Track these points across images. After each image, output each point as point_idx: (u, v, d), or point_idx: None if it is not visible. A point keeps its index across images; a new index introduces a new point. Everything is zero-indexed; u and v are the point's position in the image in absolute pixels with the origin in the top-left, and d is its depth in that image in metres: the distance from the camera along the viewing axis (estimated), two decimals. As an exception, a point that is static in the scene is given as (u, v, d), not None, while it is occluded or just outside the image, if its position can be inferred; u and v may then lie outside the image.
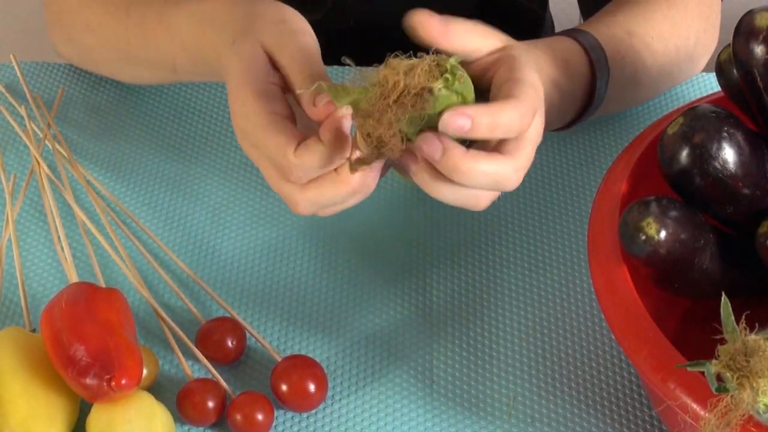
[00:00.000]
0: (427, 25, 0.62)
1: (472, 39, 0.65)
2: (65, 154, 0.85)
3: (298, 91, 0.64)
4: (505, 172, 0.61)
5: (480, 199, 0.63)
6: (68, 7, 0.89)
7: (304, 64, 0.66)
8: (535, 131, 0.62)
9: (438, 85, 0.58)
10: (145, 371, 0.68)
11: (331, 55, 0.82)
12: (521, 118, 0.60)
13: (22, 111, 0.89)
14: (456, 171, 0.59)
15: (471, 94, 0.61)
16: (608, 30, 0.80)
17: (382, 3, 0.99)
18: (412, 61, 0.59)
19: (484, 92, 0.64)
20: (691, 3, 0.85)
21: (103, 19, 0.85)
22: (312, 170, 0.62)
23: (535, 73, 0.64)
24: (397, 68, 0.59)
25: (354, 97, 0.60)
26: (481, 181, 0.60)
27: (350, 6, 0.97)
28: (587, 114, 0.79)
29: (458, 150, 0.59)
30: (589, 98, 0.78)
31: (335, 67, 0.93)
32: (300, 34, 0.68)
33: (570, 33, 0.78)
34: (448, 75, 0.59)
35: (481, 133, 0.59)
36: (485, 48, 0.65)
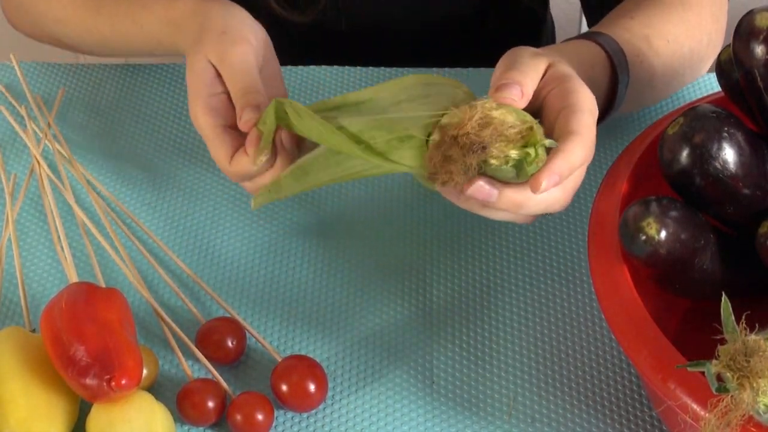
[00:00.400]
0: (512, 93, 0.65)
1: (534, 76, 0.67)
2: (65, 154, 0.85)
3: (237, 107, 0.73)
4: (556, 197, 0.65)
5: (529, 218, 0.68)
6: (32, 1, 0.92)
7: (238, 76, 0.73)
8: (581, 157, 0.64)
9: (522, 151, 0.61)
10: (145, 371, 0.68)
11: (325, 56, 0.82)
12: (586, 151, 0.63)
13: (23, 111, 0.89)
14: (511, 207, 0.64)
15: None
16: (627, 33, 0.80)
17: (374, 5, 0.99)
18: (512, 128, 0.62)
19: (536, 112, 0.67)
20: (705, 4, 0.85)
21: (73, 14, 0.89)
22: (242, 176, 0.72)
23: (588, 91, 0.66)
24: (497, 112, 0.62)
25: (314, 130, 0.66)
26: (534, 209, 0.65)
27: (343, 8, 0.97)
28: (608, 116, 0.80)
29: (510, 191, 0.63)
30: (609, 101, 0.79)
31: (335, 67, 0.93)
32: (239, 44, 0.75)
33: (592, 37, 0.78)
34: (536, 147, 0.61)
35: (565, 178, 0.63)
36: (539, 76, 0.68)
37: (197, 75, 0.75)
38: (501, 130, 0.61)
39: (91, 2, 0.87)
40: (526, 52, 0.68)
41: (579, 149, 0.63)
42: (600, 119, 0.78)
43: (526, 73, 0.66)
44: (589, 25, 0.98)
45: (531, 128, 0.62)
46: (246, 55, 0.74)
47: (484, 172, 0.62)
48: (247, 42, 0.75)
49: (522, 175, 0.62)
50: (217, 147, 0.73)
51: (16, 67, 0.92)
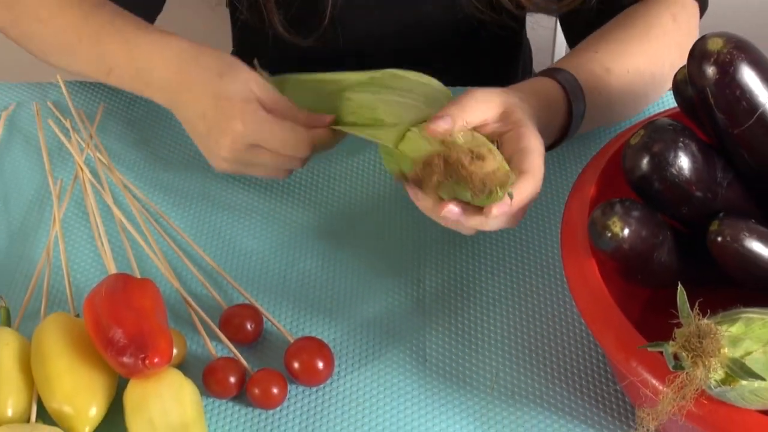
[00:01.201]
0: (442, 125, 0.66)
1: (478, 114, 0.68)
2: (105, 162, 0.84)
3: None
4: (507, 220, 0.67)
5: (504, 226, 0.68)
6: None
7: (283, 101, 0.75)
8: (530, 194, 0.67)
9: (500, 192, 0.64)
10: (175, 351, 0.68)
11: (325, 71, 0.81)
12: (535, 187, 0.66)
13: (68, 124, 0.89)
14: (470, 228, 0.67)
15: None
16: (588, 66, 0.79)
17: (367, 26, 0.98)
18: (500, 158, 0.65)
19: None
20: (667, 31, 0.83)
21: (56, 14, 0.82)
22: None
23: (538, 136, 0.68)
24: (491, 153, 0.64)
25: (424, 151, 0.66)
26: (495, 225, 0.67)
27: (340, 28, 0.96)
28: (564, 140, 0.79)
29: (472, 219, 0.65)
30: (566, 128, 0.78)
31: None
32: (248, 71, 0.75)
33: (551, 73, 0.78)
34: (506, 189, 0.64)
35: (513, 210, 0.65)
36: (491, 118, 0.68)
37: (244, 92, 0.73)
38: (487, 170, 0.63)
39: (83, 8, 0.80)
40: (479, 92, 0.69)
41: (529, 186, 0.65)
42: (558, 141, 0.80)
43: (464, 109, 0.67)
44: (570, 45, 0.97)
45: (507, 175, 0.64)
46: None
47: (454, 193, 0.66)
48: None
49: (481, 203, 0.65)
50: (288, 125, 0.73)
51: (63, 86, 0.91)
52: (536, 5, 0.88)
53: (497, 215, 0.64)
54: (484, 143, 0.65)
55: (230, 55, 0.77)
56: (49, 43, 0.84)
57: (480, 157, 0.63)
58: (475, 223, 0.66)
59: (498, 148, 0.66)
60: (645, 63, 0.81)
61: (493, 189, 0.63)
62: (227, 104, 0.72)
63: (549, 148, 0.79)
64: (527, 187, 0.65)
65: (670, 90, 0.68)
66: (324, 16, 0.92)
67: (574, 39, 0.95)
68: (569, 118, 0.77)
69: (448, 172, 0.64)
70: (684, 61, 0.86)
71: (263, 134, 0.73)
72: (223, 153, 0.74)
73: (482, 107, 0.68)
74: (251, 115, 0.72)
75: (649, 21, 0.83)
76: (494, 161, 0.63)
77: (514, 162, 0.66)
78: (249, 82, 0.74)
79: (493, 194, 0.63)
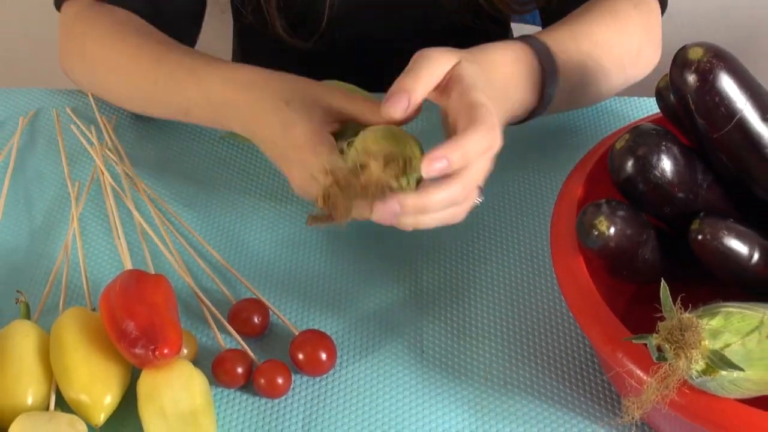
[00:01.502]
0: (399, 103, 0.61)
1: (432, 79, 0.62)
2: (124, 166, 0.84)
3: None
4: (456, 191, 0.60)
5: (455, 216, 0.62)
6: (91, 48, 0.84)
7: (349, 99, 0.68)
8: (478, 146, 0.60)
9: (398, 183, 0.58)
10: (185, 351, 0.68)
11: (324, 72, 0.80)
12: (484, 137, 0.59)
13: (88, 131, 0.89)
14: (416, 214, 0.59)
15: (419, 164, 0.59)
16: (556, 34, 0.75)
17: (363, 28, 0.98)
18: (385, 153, 0.58)
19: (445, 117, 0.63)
20: (632, 16, 0.81)
21: (128, 62, 0.80)
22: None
23: (480, 92, 0.62)
24: (373, 158, 0.58)
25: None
26: (440, 207, 0.60)
27: (337, 34, 0.96)
28: (537, 113, 0.75)
29: (409, 200, 0.58)
30: (538, 101, 0.73)
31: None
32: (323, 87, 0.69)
33: (525, 39, 0.73)
34: (408, 176, 0.58)
35: (458, 165, 0.58)
36: (443, 73, 0.63)
37: (310, 119, 0.67)
38: (377, 174, 0.58)
39: (154, 54, 0.79)
40: (434, 52, 0.63)
41: (474, 135, 0.58)
42: (531, 115, 0.74)
43: (419, 78, 0.61)
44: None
45: (404, 164, 0.58)
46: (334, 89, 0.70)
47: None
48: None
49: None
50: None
51: (90, 97, 0.91)
52: (511, 6, 0.87)
53: (381, 214, 0.58)
54: (363, 150, 0.59)
55: (300, 78, 0.72)
56: (125, 93, 0.83)
57: (364, 166, 0.57)
58: (414, 205, 0.59)
59: (447, 110, 0.61)
60: (611, 38, 0.78)
61: (394, 184, 0.57)
62: (293, 133, 0.67)
63: (524, 120, 0.75)
64: (467, 141, 0.58)
65: (651, 97, 0.67)
66: (322, 19, 0.92)
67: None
68: (542, 90, 0.73)
69: (347, 193, 0.58)
70: (653, 51, 0.82)
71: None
72: (295, 182, 0.68)
73: (436, 67, 0.62)
74: (314, 147, 0.66)
75: (610, 5, 0.81)
76: (377, 164, 0.58)
77: (460, 119, 0.60)
78: (314, 109, 0.68)
79: (398, 188, 0.58)
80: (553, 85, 0.73)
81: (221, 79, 0.73)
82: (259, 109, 0.71)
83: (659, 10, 0.87)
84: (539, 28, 1.19)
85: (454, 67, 0.64)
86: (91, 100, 0.91)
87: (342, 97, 0.69)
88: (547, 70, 0.72)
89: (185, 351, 0.68)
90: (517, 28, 1.22)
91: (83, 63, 0.86)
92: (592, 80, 0.78)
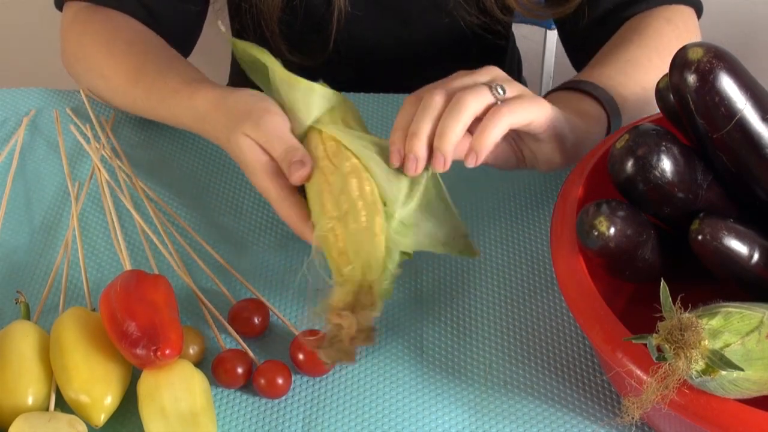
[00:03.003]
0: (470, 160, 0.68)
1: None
2: (122, 165, 0.84)
3: (284, 168, 0.70)
4: (436, 101, 0.67)
5: (462, 100, 0.67)
6: (84, 53, 0.88)
7: (275, 140, 0.70)
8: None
9: (376, 306, 0.64)
10: (195, 348, 0.68)
11: (328, 81, 0.81)
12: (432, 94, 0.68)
13: (87, 130, 0.89)
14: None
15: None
16: (611, 82, 0.79)
17: (366, 40, 0.98)
18: (346, 303, 0.64)
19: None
20: (665, 36, 0.83)
21: (113, 74, 0.85)
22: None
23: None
24: (338, 317, 0.63)
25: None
26: (429, 118, 0.67)
27: (341, 48, 0.97)
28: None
29: (411, 156, 0.67)
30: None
31: (353, 93, 0.92)
32: (267, 115, 0.71)
33: (588, 91, 0.77)
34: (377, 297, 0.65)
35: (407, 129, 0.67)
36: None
37: (247, 150, 0.71)
38: (352, 331, 0.63)
39: (131, 74, 0.83)
40: (535, 100, 0.68)
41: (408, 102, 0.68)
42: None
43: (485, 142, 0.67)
44: (573, 61, 0.96)
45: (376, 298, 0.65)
46: (276, 122, 0.71)
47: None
48: (272, 112, 0.72)
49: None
50: (288, 208, 0.69)
51: (84, 98, 0.91)
52: (525, 7, 0.88)
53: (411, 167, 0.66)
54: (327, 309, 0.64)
55: (258, 95, 0.75)
56: (113, 99, 0.87)
57: (339, 327, 0.63)
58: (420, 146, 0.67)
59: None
60: (657, 77, 0.81)
61: (375, 314, 0.64)
62: (236, 147, 0.72)
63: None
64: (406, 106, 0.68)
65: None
66: (328, 40, 0.92)
67: (572, 50, 0.95)
68: (608, 128, 0.77)
69: (343, 348, 0.64)
70: None
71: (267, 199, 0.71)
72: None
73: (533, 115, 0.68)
74: (257, 184, 0.71)
75: (645, 35, 0.83)
76: (347, 320, 0.63)
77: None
78: (255, 144, 0.71)
79: (378, 309, 0.64)
80: (617, 126, 0.77)
81: (184, 108, 0.78)
82: (215, 124, 0.75)
83: (695, 16, 0.87)
84: (538, 28, 1.18)
85: (550, 118, 0.70)
86: (84, 99, 0.91)
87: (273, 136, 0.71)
88: (611, 117, 0.76)
89: (194, 348, 0.68)
90: (516, 28, 1.22)
91: (79, 64, 0.90)
92: (648, 108, 0.80)
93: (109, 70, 0.85)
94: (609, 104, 0.76)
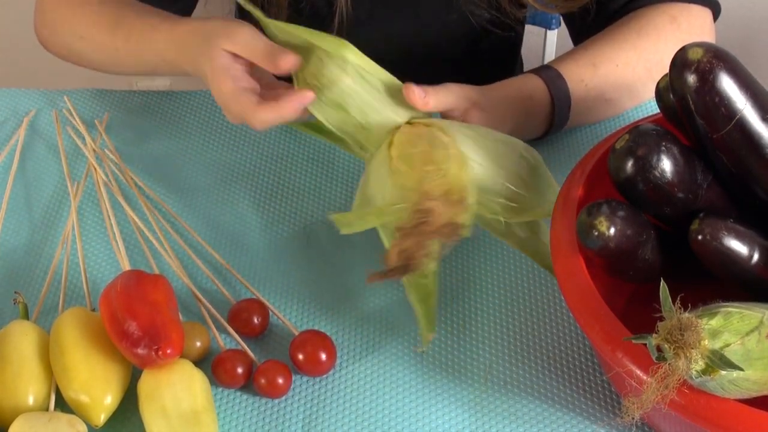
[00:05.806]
0: (410, 95, 0.71)
1: (446, 100, 0.73)
2: (119, 164, 0.84)
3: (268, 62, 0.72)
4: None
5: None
6: (61, 18, 0.90)
7: (253, 42, 0.72)
8: None
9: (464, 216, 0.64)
10: (198, 343, 0.68)
11: None
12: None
13: (82, 130, 0.89)
14: None
15: None
16: (574, 63, 0.82)
17: (372, 41, 0.98)
18: (445, 190, 0.64)
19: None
20: (662, 30, 0.84)
21: (92, 30, 0.87)
22: (267, 123, 0.71)
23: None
24: (432, 200, 0.62)
25: (381, 219, 0.66)
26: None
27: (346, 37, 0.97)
28: (552, 131, 0.83)
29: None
30: (550, 122, 0.82)
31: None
32: (243, 27, 0.74)
33: (538, 72, 0.81)
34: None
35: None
36: (461, 106, 0.74)
37: (215, 60, 0.73)
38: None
39: (110, 23, 0.85)
40: (456, 86, 0.74)
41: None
42: (546, 132, 0.83)
43: (437, 93, 0.72)
44: (574, 44, 0.97)
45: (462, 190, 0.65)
46: (251, 32, 0.73)
47: None
48: (246, 25, 0.74)
49: None
50: (244, 98, 0.71)
51: (68, 102, 0.92)
52: (538, 1, 0.88)
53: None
54: (401, 157, 0.65)
55: (234, 19, 0.78)
56: (96, 59, 0.89)
57: (429, 210, 0.62)
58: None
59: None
60: (636, 56, 0.82)
61: (465, 220, 0.63)
62: (219, 88, 0.73)
63: (543, 135, 0.84)
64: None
65: (653, 98, 0.68)
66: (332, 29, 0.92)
67: (578, 37, 0.95)
68: (552, 112, 0.80)
69: (420, 243, 0.62)
70: None
71: (224, 104, 0.74)
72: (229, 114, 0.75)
73: (453, 95, 0.73)
74: (217, 90, 0.73)
75: (641, 22, 0.84)
76: (439, 203, 0.62)
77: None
78: (227, 70, 0.73)
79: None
80: (565, 111, 0.81)
81: (166, 41, 0.80)
82: (194, 61, 0.77)
83: (709, 16, 0.87)
84: (537, 28, 1.18)
85: (473, 104, 0.75)
86: (68, 104, 0.91)
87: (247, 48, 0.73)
88: (556, 99, 0.80)
89: (199, 342, 0.68)
90: (526, 30, 1.21)
91: (55, 34, 0.91)
92: (615, 97, 0.84)
93: (87, 29, 0.87)
94: (553, 84, 0.80)
